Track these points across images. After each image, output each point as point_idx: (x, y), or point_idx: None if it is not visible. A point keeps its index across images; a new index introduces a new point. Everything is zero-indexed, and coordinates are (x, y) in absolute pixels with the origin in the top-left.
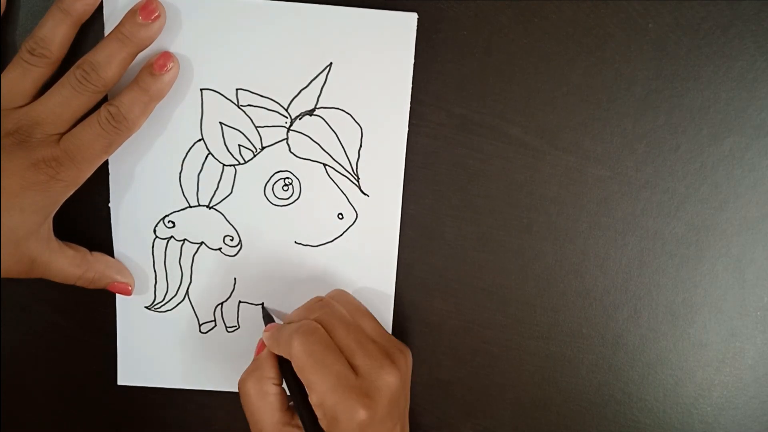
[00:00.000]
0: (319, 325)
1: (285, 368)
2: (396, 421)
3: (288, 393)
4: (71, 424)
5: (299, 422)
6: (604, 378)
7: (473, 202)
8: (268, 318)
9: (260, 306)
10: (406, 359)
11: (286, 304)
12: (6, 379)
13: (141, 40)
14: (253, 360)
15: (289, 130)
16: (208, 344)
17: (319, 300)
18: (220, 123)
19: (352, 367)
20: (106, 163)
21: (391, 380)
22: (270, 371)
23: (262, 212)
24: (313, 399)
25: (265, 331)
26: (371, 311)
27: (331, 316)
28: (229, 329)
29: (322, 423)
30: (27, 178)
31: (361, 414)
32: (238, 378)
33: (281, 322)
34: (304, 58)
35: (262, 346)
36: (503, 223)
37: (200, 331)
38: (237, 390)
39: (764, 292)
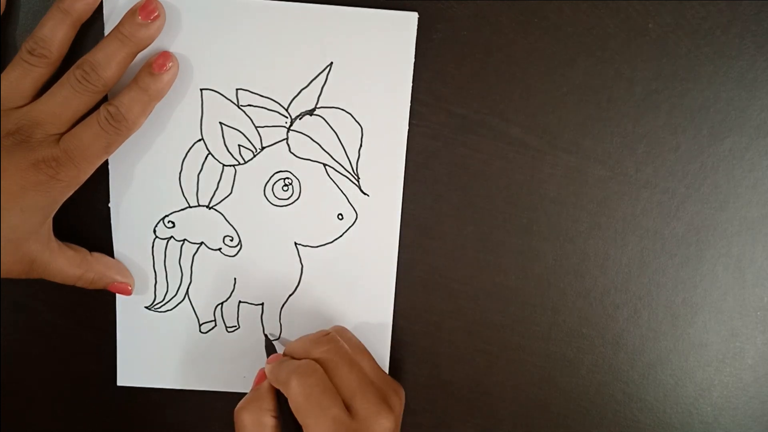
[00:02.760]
0: (319, 366)
1: (283, 402)
2: None
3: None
4: (71, 424)
5: None
6: (604, 378)
7: (473, 202)
8: (270, 349)
9: (264, 335)
10: (401, 400)
11: (286, 305)
12: (6, 379)
13: (141, 40)
14: (252, 390)
15: (289, 130)
16: (208, 344)
17: (325, 334)
18: (220, 123)
19: (349, 409)
20: (106, 163)
21: (387, 425)
22: (269, 403)
23: (262, 212)
24: None
25: (267, 362)
26: (371, 311)
27: (335, 353)
28: (229, 329)
29: None
30: (27, 178)
31: None
32: (237, 378)
33: (281, 350)
34: (304, 58)
35: (262, 376)
36: (503, 223)
37: (200, 331)
38: (237, 390)
39: (764, 292)
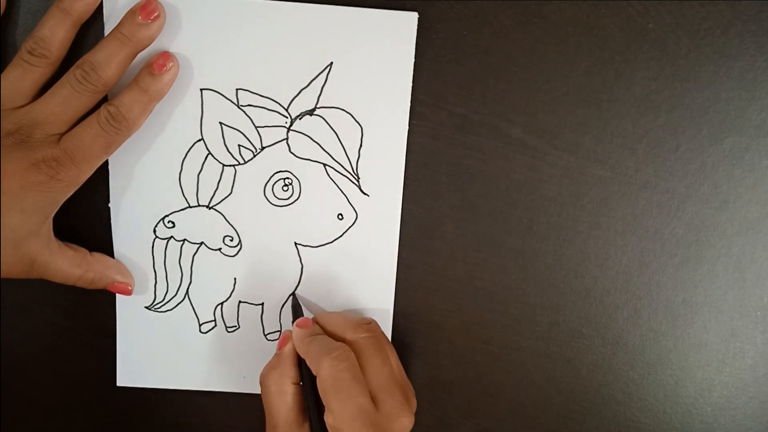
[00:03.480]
0: (352, 354)
1: (305, 368)
2: None
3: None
4: (71, 424)
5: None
6: (604, 378)
7: (473, 202)
8: (298, 310)
9: (291, 295)
10: (415, 402)
11: (286, 305)
12: (6, 379)
13: (141, 40)
14: (276, 354)
15: (289, 130)
16: (208, 344)
17: (368, 321)
18: (220, 123)
19: (374, 401)
20: (106, 163)
21: (407, 425)
22: (291, 370)
23: (262, 212)
24: (329, 419)
25: (295, 325)
26: (371, 311)
27: (372, 343)
28: (229, 329)
29: None
30: (27, 179)
31: None
32: (237, 378)
33: (310, 315)
34: (304, 58)
35: (286, 339)
36: (503, 223)
37: (200, 331)
38: (236, 390)
39: (764, 292)
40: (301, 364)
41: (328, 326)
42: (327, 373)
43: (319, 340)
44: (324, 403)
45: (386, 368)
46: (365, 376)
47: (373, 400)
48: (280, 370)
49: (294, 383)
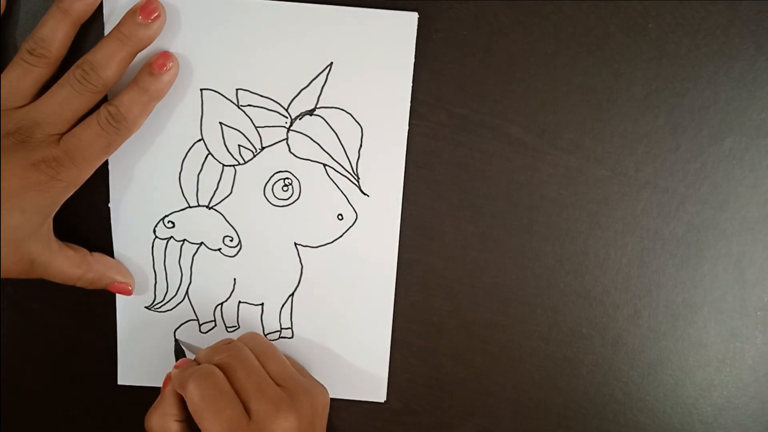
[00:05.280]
0: (217, 369)
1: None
2: None
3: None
4: (71, 424)
5: None
6: (604, 378)
7: (473, 202)
8: (179, 353)
9: (174, 339)
10: (312, 401)
11: (286, 305)
12: (6, 379)
13: (141, 40)
14: (159, 396)
15: (289, 130)
16: (208, 344)
17: (227, 342)
18: (220, 123)
19: (248, 411)
20: (106, 163)
21: (286, 425)
22: (172, 408)
23: (262, 212)
24: None
25: (174, 367)
26: (371, 311)
27: (234, 358)
28: (229, 329)
29: None
30: (27, 179)
31: None
32: None
33: (192, 356)
34: (304, 58)
35: (168, 381)
36: (503, 223)
37: (200, 331)
38: None
39: (764, 292)
40: (185, 402)
41: (200, 360)
42: (193, 393)
43: (187, 368)
44: (198, 425)
45: (252, 376)
46: (236, 390)
47: (248, 411)
48: (161, 410)
49: (177, 420)
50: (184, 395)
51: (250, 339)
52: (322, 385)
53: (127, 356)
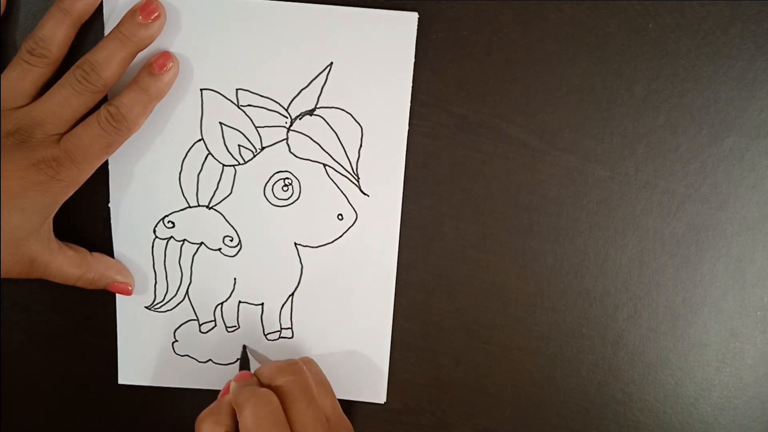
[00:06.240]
0: (275, 398)
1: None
2: None
3: None
4: (71, 424)
5: None
6: (604, 378)
7: (473, 202)
8: (244, 364)
9: (242, 346)
10: None
11: (286, 305)
12: (6, 379)
13: (141, 40)
14: (216, 401)
15: (289, 130)
16: (208, 344)
17: (292, 364)
18: (220, 123)
19: None
20: (106, 163)
21: None
22: (226, 418)
23: (262, 212)
24: None
25: (234, 379)
26: (371, 311)
27: (297, 385)
28: (229, 329)
29: None
30: (27, 179)
31: None
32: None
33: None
34: (304, 58)
35: (227, 389)
36: (503, 223)
37: (200, 331)
38: None
39: (764, 292)
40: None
41: (262, 377)
42: (248, 418)
43: (247, 388)
44: None
45: (310, 411)
46: (289, 420)
47: None
48: (216, 417)
49: (227, 431)
50: (238, 416)
51: (310, 366)
52: (350, 424)
53: (127, 356)
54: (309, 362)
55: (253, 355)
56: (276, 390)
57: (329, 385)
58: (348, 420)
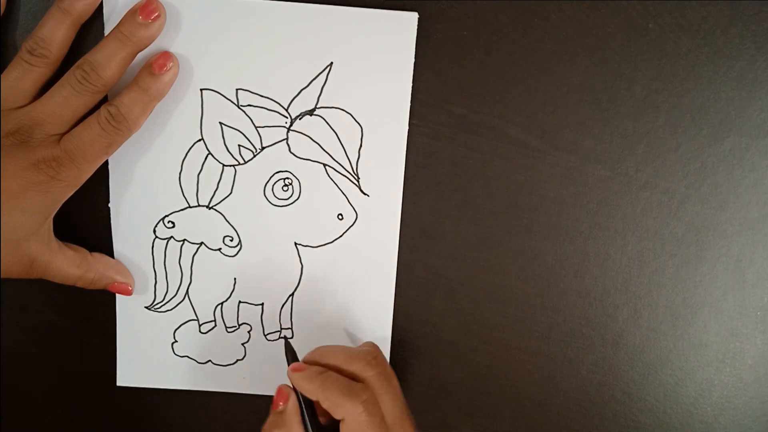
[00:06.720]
0: (374, 395)
1: (311, 421)
2: None
3: None
4: (71, 424)
5: None
6: (604, 378)
7: (473, 202)
8: (292, 356)
9: (284, 339)
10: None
11: (286, 305)
12: (6, 379)
13: (141, 40)
14: (275, 413)
15: (289, 130)
16: (208, 344)
17: (373, 356)
18: (220, 123)
19: None
20: (106, 163)
21: None
22: (298, 427)
23: (262, 212)
24: None
25: (292, 371)
26: (371, 311)
27: (384, 378)
28: (229, 329)
29: None
30: (27, 179)
31: None
32: (238, 378)
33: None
34: (304, 58)
35: (283, 394)
36: (503, 223)
37: (200, 331)
38: (236, 390)
39: (764, 292)
40: (304, 418)
41: (331, 362)
42: (362, 418)
43: (335, 380)
44: None
45: (398, 402)
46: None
47: None
48: (287, 430)
49: None
50: (338, 414)
51: (378, 353)
52: None
53: (127, 356)
54: (377, 348)
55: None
56: (364, 382)
57: (394, 372)
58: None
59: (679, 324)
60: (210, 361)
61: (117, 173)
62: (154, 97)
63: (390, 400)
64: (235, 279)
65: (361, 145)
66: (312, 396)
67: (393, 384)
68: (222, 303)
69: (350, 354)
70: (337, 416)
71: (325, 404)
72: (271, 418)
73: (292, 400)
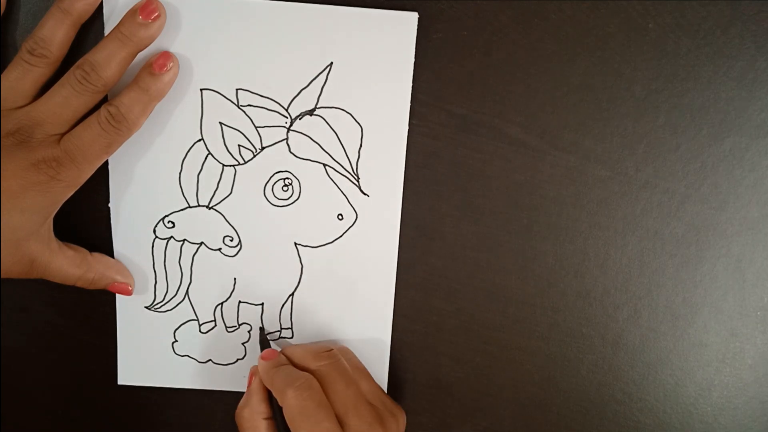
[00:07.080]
0: (315, 382)
1: (275, 403)
2: None
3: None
4: (71, 424)
5: None
6: (604, 378)
7: (473, 202)
8: (264, 343)
9: (259, 328)
10: (398, 424)
11: (286, 305)
12: (6, 379)
13: (141, 40)
14: (247, 391)
15: (289, 130)
16: (208, 344)
17: (327, 350)
18: (220, 123)
19: (343, 425)
20: (106, 163)
21: None
22: (260, 405)
23: (262, 212)
24: None
25: (261, 358)
26: (371, 311)
27: (333, 369)
28: (229, 329)
29: None
30: (27, 179)
31: None
32: (238, 378)
33: (277, 348)
34: (304, 58)
35: (253, 374)
36: (503, 223)
37: (200, 331)
38: (237, 390)
39: (764, 292)
40: (271, 397)
41: (294, 359)
42: (292, 402)
43: (283, 371)
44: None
45: (350, 390)
46: (330, 402)
47: (342, 425)
48: (250, 408)
49: (265, 418)
50: (280, 401)
51: (344, 353)
52: (400, 407)
53: (127, 356)
54: (344, 350)
55: (272, 337)
56: (312, 374)
57: (366, 370)
58: (395, 403)
59: (679, 324)
60: (210, 360)
61: (117, 173)
62: (154, 97)
63: (341, 388)
64: (235, 279)
65: (361, 145)
66: (266, 384)
67: (345, 375)
68: (222, 303)
69: (307, 351)
70: (280, 403)
71: (273, 392)
72: (243, 397)
73: (257, 380)
